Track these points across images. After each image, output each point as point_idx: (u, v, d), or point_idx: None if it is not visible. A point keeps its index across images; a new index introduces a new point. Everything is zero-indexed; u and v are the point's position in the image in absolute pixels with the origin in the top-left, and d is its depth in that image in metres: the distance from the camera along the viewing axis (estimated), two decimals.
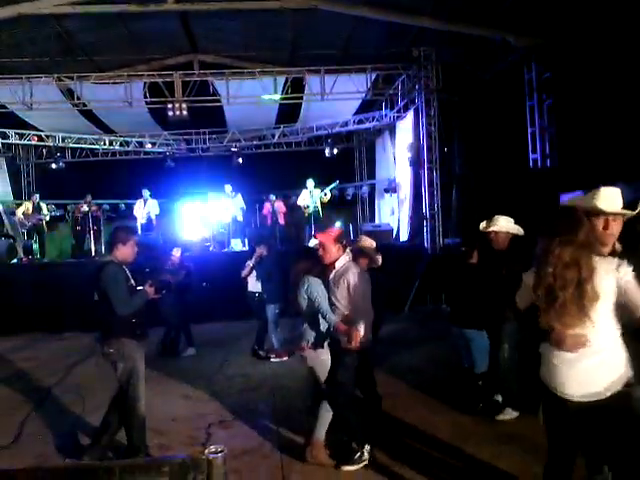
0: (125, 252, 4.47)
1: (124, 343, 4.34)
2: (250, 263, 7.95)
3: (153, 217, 14.13)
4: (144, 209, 14.08)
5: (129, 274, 4.50)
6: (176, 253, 8.47)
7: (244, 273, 7.97)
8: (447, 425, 4.87)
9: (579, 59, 10.46)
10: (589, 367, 2.59)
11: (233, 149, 17.27)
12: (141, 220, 14.10)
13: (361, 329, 4.11)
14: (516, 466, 3.91)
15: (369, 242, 5.38)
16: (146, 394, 4.38)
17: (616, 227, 2.79)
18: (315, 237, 5.10)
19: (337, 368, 4.24)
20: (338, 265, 4.28)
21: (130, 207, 15.31)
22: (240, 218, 13.96)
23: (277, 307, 7.76)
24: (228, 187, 14.07)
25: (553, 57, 11.34)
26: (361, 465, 4.11)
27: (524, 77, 12.28)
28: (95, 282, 4.37)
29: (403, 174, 14.55)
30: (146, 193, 14.11)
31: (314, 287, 4.20)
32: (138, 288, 4.49)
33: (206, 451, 1.89)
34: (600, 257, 2.63)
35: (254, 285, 7.97)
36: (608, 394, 2.55)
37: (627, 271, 2.56)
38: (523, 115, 12.39)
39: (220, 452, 1.90)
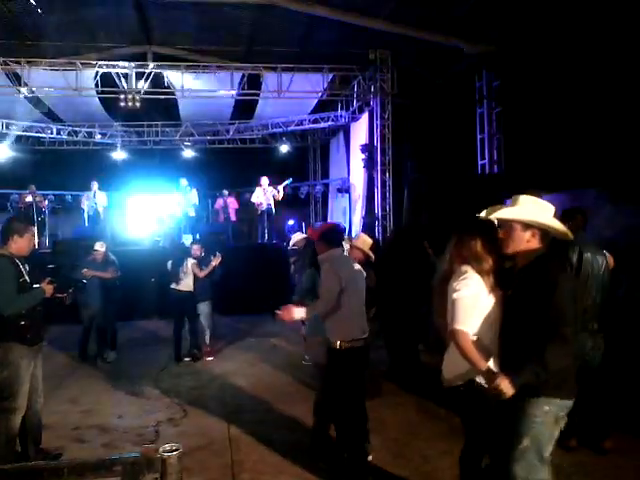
0: (21, 245, 4.02)
1: (10, 347, 3.87)
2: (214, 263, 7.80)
3: (100, 210, 13.73)
4: (92, 201, 13.66)
5: (24, 269, 4.03)
6: (100, 248, 7.61)
7: (203, 274, 7.83)
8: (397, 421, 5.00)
9: (528, 69, 10.85)
10: (446, 357, 2.97)
11: (186, 143, 17.01)
12: (88, 212, 13.68)
13: (314, 305, 4.02)
14: None
15: (361, 241, 5.36)
16: (93, 390, 4.23)
17: (501, 234, 2.81)
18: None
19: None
20: (319, 259, 4.26)
21: (76, 198, 14.85)
22: (192, 213, 13.76)
23: (210, 304, 7.83)
24: (184, 181, 13.83)
25: (503, 66, 11.74)
26: None
27: (475, 84, 12.65)
28: None
29: (356, 175, 14.72)
30: (94, 185, 13.70)
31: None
32: (35, 286, 4.04)
33: (160, 449, 1.89)
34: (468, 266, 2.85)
35: (187, 284, 7.74)
36: (459, 382, 2.87)
37: (452, 287, 2.82)
38: (473, 121, 12.76)
39: (175, 450, 1.90)
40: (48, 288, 4.05)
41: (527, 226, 2.69)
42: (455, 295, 2.80)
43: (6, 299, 3.81)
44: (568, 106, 9.85)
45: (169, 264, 7.72)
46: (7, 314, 3.83)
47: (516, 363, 2.60)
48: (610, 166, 9.09)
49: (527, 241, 2.70)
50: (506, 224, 2.76)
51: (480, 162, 12.51)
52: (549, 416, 2.59)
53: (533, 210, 2.71)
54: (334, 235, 4.25)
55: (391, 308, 6.23)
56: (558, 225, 2.73)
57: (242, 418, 5.23)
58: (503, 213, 2.78)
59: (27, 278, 4.01)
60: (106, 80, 12.79)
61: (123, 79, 12.50)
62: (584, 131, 9.64)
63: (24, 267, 4.05)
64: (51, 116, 15.94)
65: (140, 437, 4.79)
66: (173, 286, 7.68)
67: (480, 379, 2.78)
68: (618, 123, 8.93)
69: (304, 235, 7.98)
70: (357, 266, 4.27)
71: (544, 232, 2.71)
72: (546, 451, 2.63)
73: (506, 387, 2.48)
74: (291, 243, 8.34)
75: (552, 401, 2.59)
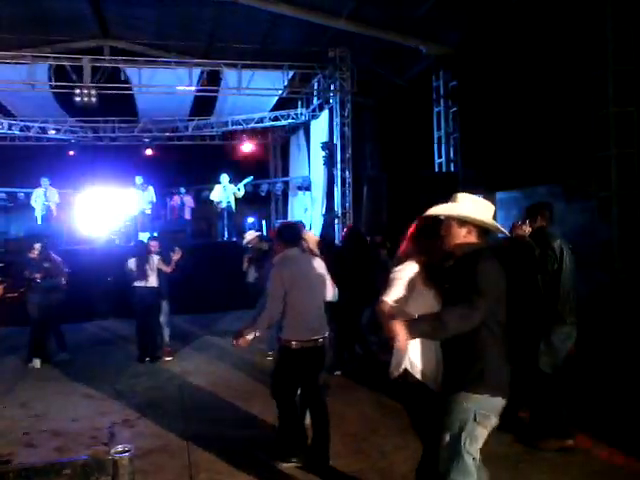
0: None
1: None
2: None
3: (53, 207, 13.30)
4: (42, 198, 13.21)
5: None
6: (37, 247, 7.34)
7: (170, 269, 7.70)
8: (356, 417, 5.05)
9: (484, 70, 11.10)
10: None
11: (144, 139, 16.68)
12: (39, 210, 13.22)
13: (259, 321, 4.05)
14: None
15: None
16: (45, 394, 4.18)
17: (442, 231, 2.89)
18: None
19: None
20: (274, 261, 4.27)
21: (29, 196, 14.36)
22: (149, 211, 13.52)
23: (169, 301, 7.81)
24: (139, 179, 13.58)
25: (460, 67, 11.97)
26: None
27: (432, 84, 12.85)
28: None
29: (317, 172, 14.75)
30: (45, 182, 13.22)
31: None
32: None
33: (111, 451, 1.86)
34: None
35: (153, 281, 7.62)
36: (396, 373, 2.97)
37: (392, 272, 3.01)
38: (431, 120, 12.97)
39: (126, 452, 1.87)
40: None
41: (462, 222, 2.75)
42: (391, 276, 2.98)
43: None
44: (522, 106, 10.12)
45: (132, 262, 7.54)
46: None
47: (454, 352, 2.67)
48: (562, 164, 9.39)
49: (464, 237, 2.75)
50: (445, 221, 2.83)
51: (437, 160, 12.73)
52: (468, 413, 2.57)
53: (469, 207, 2.76)
54: (289, 233, 4.23)
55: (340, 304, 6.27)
56: (492, 223, 2.78)
57: (200, 418, 5.19)
58: (438, 209, 2.85)
59: None
60: (61, 74, 12.41)
61: (78, 74, 12.14)
62: (537, 130, 9.92)
63: None
64: (1, 110, 15.38)
65: (94, 440, 4.69)
66: (138, 284, 7.49)
67: (408, 364, 2.87)
68: (570, 122, 9.22)
69: (258, 233, 8.02)
70: (316, 264, 4.21)
71: (481, 229, 2.76)
72: (470, 449, 2.60)
73: (399, 330, 2.44)
74: (244, 241, 8.33)
75: (471, 397, 2.58)
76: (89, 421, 5.17)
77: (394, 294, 2.93)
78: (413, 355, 2.90)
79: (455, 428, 2.60)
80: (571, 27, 8.83)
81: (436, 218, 2.91)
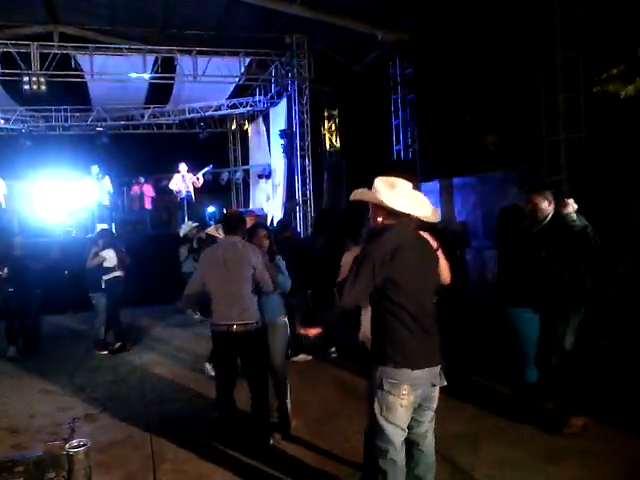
0: None
1: None
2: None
3: (1, 198, 12.86)
4: None
5: None
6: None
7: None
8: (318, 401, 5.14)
9: (439, 57, 11.25)
10: None
11: (98, 128, 16.25)
12: None
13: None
14: None
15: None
16: (1, 390, 4.14)
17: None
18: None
19: None
20: None
21: None
22: (106, 202, 13.24)
23: None
24: (95, 168, 13.26)
25: (416, 54, 12.08)
26: None
27: (389, 72, 12.93)
28: None
29: (277, 160, 14.71)
30: None
31: None
32: None
33: (66, 446, 1.87)
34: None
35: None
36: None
37: None
38: (389, 108, 13.07)
39: (82, 446, 1.89)
40: None
41: (376, 205, 2.87)
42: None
43: None
44: (476, 93, 10.33)
45: (110, 251, 7.49)
46: None
47: (372, 327, 2.89)
48: (515, 149, 9.65)
49: (378, 218, 2.88)
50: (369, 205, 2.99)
51: (395, 148, 12.85)
52: (384, 384, 2.73)
53: (381, 191, 2.83)
54: (228, 222, 4.48)
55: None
56: (400, 205, 2.81)
57: (162, 409, 5.18)
58: (353, 194, 3.01)
59: None
60: (8, 62, 11.97)
61: (26, 61, 11.72)
62: (491, 116, 10.15)
63: None
64: None
65: (54, 436, 4.63)
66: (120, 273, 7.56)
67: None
68: (522, 108, 9.46)
69: (195, 224, 8.10)
70: (243, 253, 4.24)
71: (389, 211, 2.82)
72: (388, 416, 2.74)
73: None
74: (181, 232, 8.31)
75: (382, 368, 2.75)
76: (48, 417, 5.10)
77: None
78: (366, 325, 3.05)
79: (372, 396, 2.79)
80: (521, 14, 9.03)
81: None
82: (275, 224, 13.91)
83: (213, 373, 5.81)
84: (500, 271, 4.92)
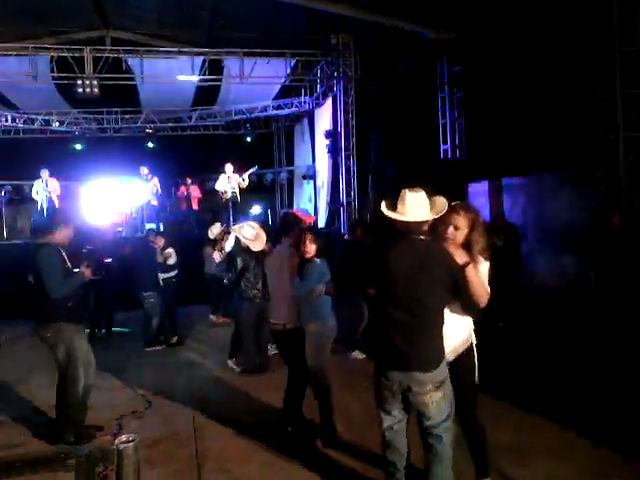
0: (65, 234, 4.50)
1: (61, 327, 4.36)
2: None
3: (55, 198, 13.21)
4: (43, 190, 13.13)
5: (66, 257, 4.45)
6: None
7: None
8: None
9: (488, 55, 10.98)
10: None
11: (148, 130, 16.64)
12: (41, 202, 13.14)
13: None
14: None
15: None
16: (48, 387, 4.29)
17: None
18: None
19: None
20: None
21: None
22: (154, 202, 13.51)
23: None
24: (144, 169, 13.54)
25: (464, 52, 11.84)
26: None
27: (437, 70, 12.73)
28: (31, 264, 4.36)
29: (321, 161, 14.69)
30: (45, 173, 13.07)
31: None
32: (75, 270, 4.45)
33: (116, 441, 1.86)
34: None
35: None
36: None
37: None
38: (436, 107, 12.87)
39: (131, 441, 1.87)
40: (87, 271, 4.50)
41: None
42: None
43: (56, 284, 4.26)
44: (526, 91, 10.02)
45: (171, 250, 7.94)
46: (57, 297, 4.28)
47: None
48: (567, 149, 9.31)
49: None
50: None
51: (442, 147, 12.63)
52: None
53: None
54: (281, 225, 4.93)
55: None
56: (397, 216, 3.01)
57: (207, 407, 5.20)
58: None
59: (69, 264, 4.44)
60: (63, 66, 12.38)
61: (79, 65, 12.10)
62: (542, 115, 9.83)
63: (65, 254, 4.46)
64: (5, 103, 15.37)
65: (102, 432, 4.70)
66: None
67: None
68: (575, 106, 9.12)
69: (223, 226, 8.32)
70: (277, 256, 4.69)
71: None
72: None
73: None
74: (211, 235, 8.45)
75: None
76: (97, 412, 5.15)
77: None
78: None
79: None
80: (577, 9, 8.71)
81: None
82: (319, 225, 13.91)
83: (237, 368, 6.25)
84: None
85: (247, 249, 5.80)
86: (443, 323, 2.99)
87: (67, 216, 4.70)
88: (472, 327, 3.22)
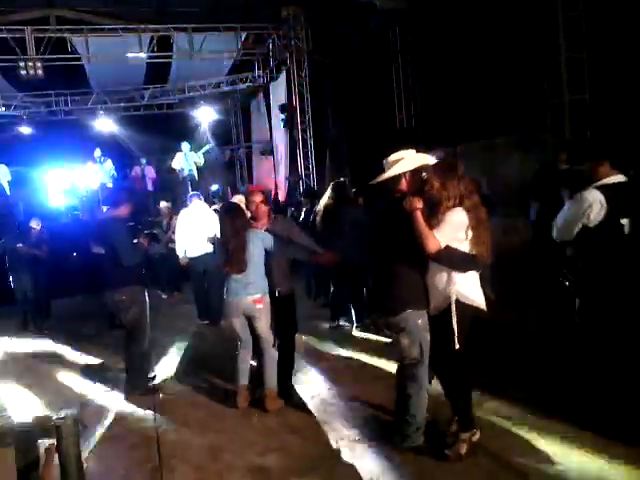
0: (127, 210, 4.95)
1: (135, 290, 4.82)
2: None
3: (5, 184, 12.85)
4: None
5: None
6: (35, 226, 8.12)
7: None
8: None
9: (439, 24, 11.01)
10: None
11: (100, 112, 16.20)
12: None
13: None
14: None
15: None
16: (67, 361, 5.40)
17: None
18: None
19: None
20: None
21: None
22: (110, 184, 13.26)
23: None
24: (97, 151, 13.28)
25: (416, 21, 11.84)
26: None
27: (390, 40, 12.72)
28: (101, 237, 4.90)
29: (279, 136, 14.62)
30: None
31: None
32: (134, 241, 4.88)
33: (54, 416, 1.89)
34: None
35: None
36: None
37: None
38: (390, 77, 12.89)
39: (70, 416, 1.91)
40: (145, 242, 5.03)
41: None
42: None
43: (129, 253, 4.73)
44: (477, 58, 10.12)
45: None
46: (130, 265, 4.73)
47: None
48: (518, 115, 9.48)
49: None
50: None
51: (398, 116, 12.71)
52: None
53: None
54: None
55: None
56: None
57: (169, 385, 5.23)
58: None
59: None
60: (5, 48, 11.89)
61: (21, 46, 11.65)
62: (493, 81, 9.96)
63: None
64: None
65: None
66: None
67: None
68: (524, 71, 9.28)
69: (167, 204, 9.03)
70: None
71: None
72: None
73: None
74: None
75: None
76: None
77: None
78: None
79: None
80: None
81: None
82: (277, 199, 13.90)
83: None
84: None
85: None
86: (408, 276, 3.27)
87: (129, 195, 5.12)
88: (460, 288, 3.20)
